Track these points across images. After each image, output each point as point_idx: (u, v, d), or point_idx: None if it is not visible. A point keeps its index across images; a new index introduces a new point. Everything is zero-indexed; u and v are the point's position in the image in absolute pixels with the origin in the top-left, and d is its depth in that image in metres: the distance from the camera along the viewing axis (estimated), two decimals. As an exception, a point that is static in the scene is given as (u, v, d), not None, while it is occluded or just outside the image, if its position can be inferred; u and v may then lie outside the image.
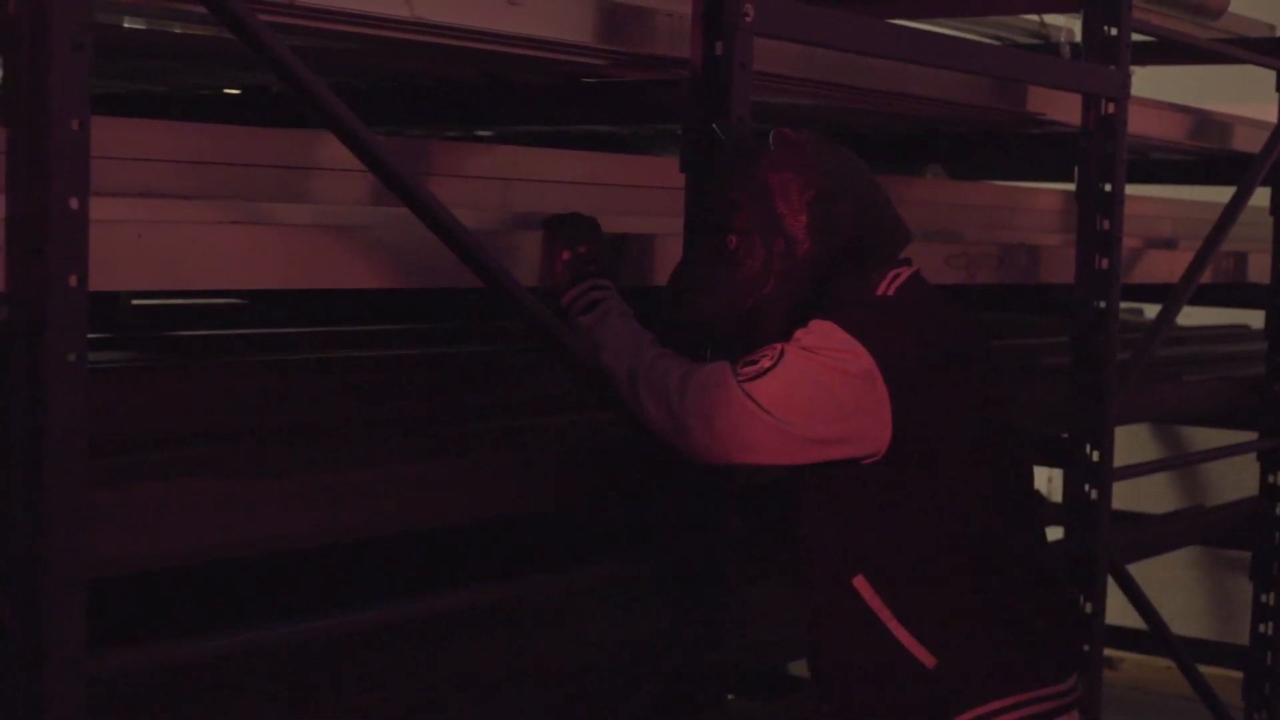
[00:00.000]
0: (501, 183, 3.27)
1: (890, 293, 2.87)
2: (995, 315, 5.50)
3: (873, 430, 2.75)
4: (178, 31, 3.37)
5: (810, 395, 2.75)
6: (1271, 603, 5.54)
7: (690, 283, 2.93)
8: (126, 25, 3.40)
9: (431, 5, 2.83)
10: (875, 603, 2.79)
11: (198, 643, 2.51)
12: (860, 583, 2.80)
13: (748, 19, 3.07)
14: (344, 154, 2.68)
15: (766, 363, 2.76)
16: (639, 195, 3.55)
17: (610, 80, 3.45)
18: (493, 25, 2.95)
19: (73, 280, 2.22)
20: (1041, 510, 3.00)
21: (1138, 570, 4.86)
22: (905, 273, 2.92)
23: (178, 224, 2.54)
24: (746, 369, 2.78)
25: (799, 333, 2.80)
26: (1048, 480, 7.17)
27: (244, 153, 2.91)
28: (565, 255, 2.98)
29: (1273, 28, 6.27)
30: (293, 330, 3.82)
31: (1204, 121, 5.31)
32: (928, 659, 2.78)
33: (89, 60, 2.23)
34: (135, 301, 4.19)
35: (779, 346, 2.79)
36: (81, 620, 2.25)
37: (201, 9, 2.49)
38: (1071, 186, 4.39)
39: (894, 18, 4.59)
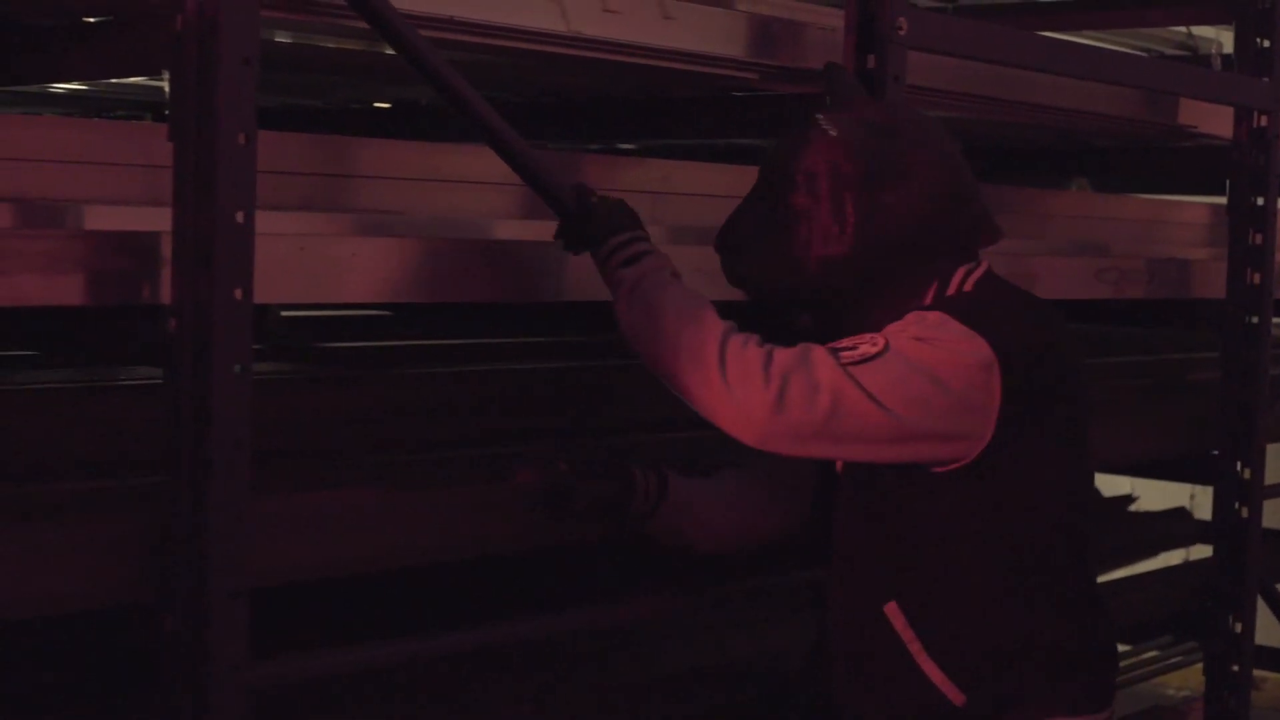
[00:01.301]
0: (652, 196, 3.27)
1: (967, 288, 2.63)
2: (1143, 330, 5.43)
3: (976, 430, 2.52)
4: (331, 46, 3.40)
5: (924, 387, 2.48)
6: None
7: (738, 240, 2.70)
8: (278, 39, 3.45)
9: (588, 20, 2.85)
10: (907, 633, 2.58)
11: (359, 652, 2.53)
12: (892, 610, 2.59)
13: (901, 32, 3.06)
14: (498, 168, 2.70)
15: (869, 349, 2.50)
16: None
17: (761, 94, 3.45)
18: (647, 39, 2.96)
19: (238, 293, 2.24)
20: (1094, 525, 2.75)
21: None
22: (980, 269, 2.67)
23: (337, 238, 2.57)
24: (845, 354, 2.49)
25: (896, 325, 2.55)
26: (1190, 497, 7.08)
27: (400, 167, 2.93)
28: (596, 196, 2.68)
29: None
30: (443, 342, 3.83)
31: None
32: (957, 696, 2.57)
33: (255, 75, 2.26)
34: (284, 313, 4.23)
35: (876, 335, 2.52)
36: (244, 629, 2.28)
37: (361, 24, 2.51)
38: (1220, 199, 4.33)
39: (1043, 30, 4.56)
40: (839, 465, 2.69)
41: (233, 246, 2.24)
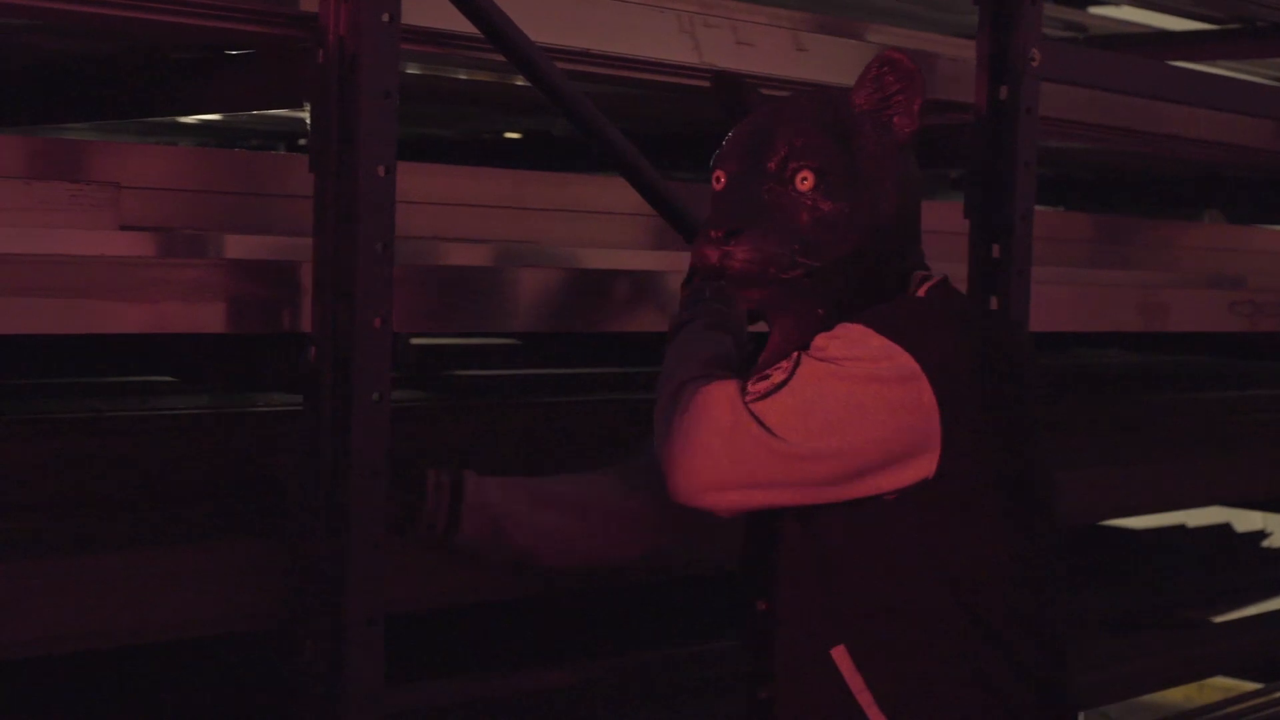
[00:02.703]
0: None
1: (920, 293, 2.36)
2: (1277, 365, 5.37)
3: (916, 453, 2.24)
4: (463, 78, 3.44)
5: (837, 414, 2.22)
6: None
7: (738, 220, 2.29)
8: (409, 71, 3.49)
9: (721, 52, 2.86)
10: (855, 681, 2.28)
11: (494, 680, 2.55)
12: (840, 654, 2.28)
13: (1034, 64, 3.05)
14: (630, 198, 2.71)
15: (779, 375, 2.25)
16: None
17: (893, 125, 3.44)
18: (780, 72, 2.97)
19: (377, 322, 2.27)
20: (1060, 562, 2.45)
21: None
22: (936, 278, 2.41)
23: (471, 268, 2.59)
24: (757, 385, 2.25)
25: (819, 339, 2.28)
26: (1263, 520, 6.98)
27: (533, 197, 2.95)
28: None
29: None
30: (574, 371, 3.86)
31: None
32: None
33: (395, 108, 2.29)
34: (414, 340, 4.27)
35: (793, 356, 2.27)
36: (380, 655, 2.30)
37: (496, 56, 2.54)
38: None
39: (1175, 60, 4.52)
40: None
41: (372, 276, 2.27)
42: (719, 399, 2.23)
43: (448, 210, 2.85)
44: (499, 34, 2.43)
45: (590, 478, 2.60)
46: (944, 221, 3.43)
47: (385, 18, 2.30)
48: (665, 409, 2.30)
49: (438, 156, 4.02)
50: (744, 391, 2.24)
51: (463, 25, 2.44)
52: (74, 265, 2.22)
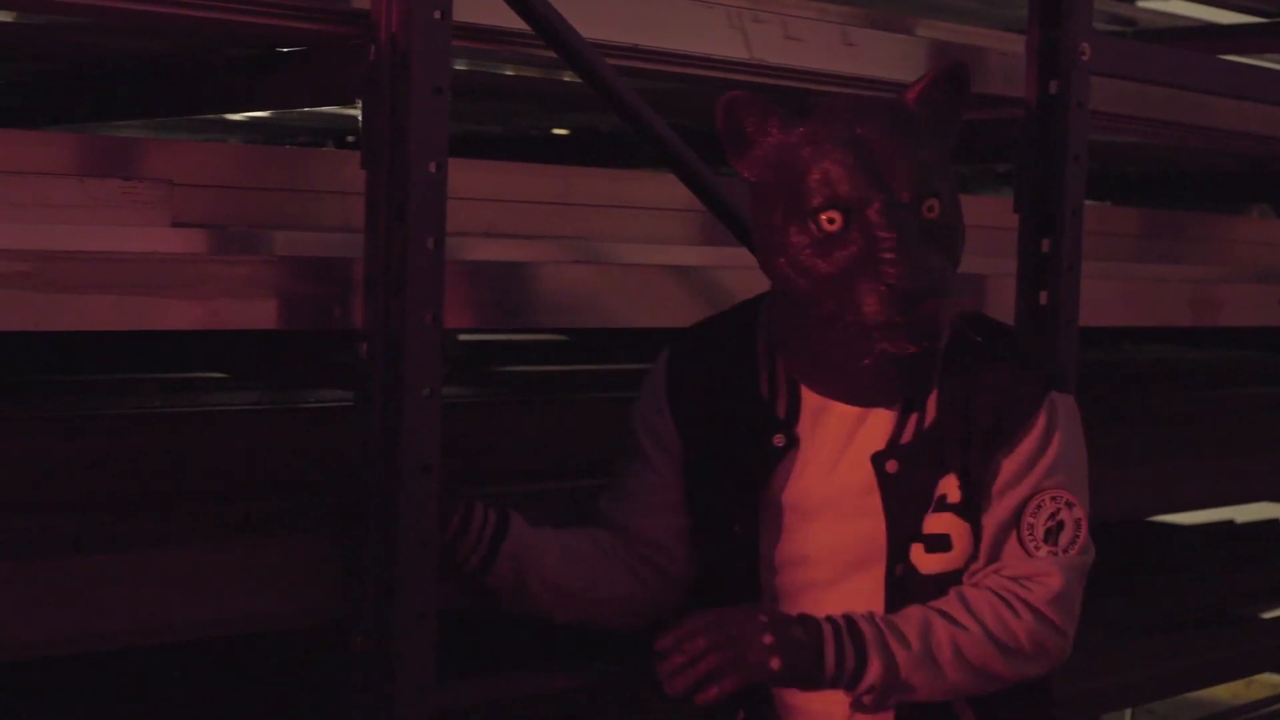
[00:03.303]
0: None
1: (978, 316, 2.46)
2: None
3: None
4: (510, 74, 3.44)
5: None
6: None
7: (926, 277, 2.17)
8: (457, 67, 3.49)
9: (770, 47, 2.86)
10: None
11: (547, 675, 2.55)
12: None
13: (1084, 58, 3.03)
14: (680, 193, 2.71)
15: (1066, 513, 2.31)
16: (969, 235, 3.52)
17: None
18: (830, 66, 2.96)
19: (429, 318, 2.28)
20: None
21: None
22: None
23: (522, 264, 2.60)
24: (1063, 538, 2.31)
25: (1033, 441, 2.30)
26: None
27: (583, 193, 2.95)
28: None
29: None
30: (622, 367, 3.86)
31: None
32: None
33: (447, 105, 2.30)
34: (461, 337, 4.28)
35: (1045, 494, 2.29)
36: (431, 651, 2.31)
37: (545, 53, 2.54)
38: None
39: (1225, 54, 4.50)
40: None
41: (424, 272, 2.28)
42: (1067, 571, 2.30)
43: (498, 206, 2.85)
44: (549, 30, 2.43)
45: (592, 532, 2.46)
46: (993, 217, 3.43)
47: (437, 14, 2.30)
48: (1012, 644, 2.26)
49: (486, 153, 4.03)
50: (1064, 549, 2.29)
51: (513, 21, 2.45)
52: (127, 262, 2.23)
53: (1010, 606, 2.25)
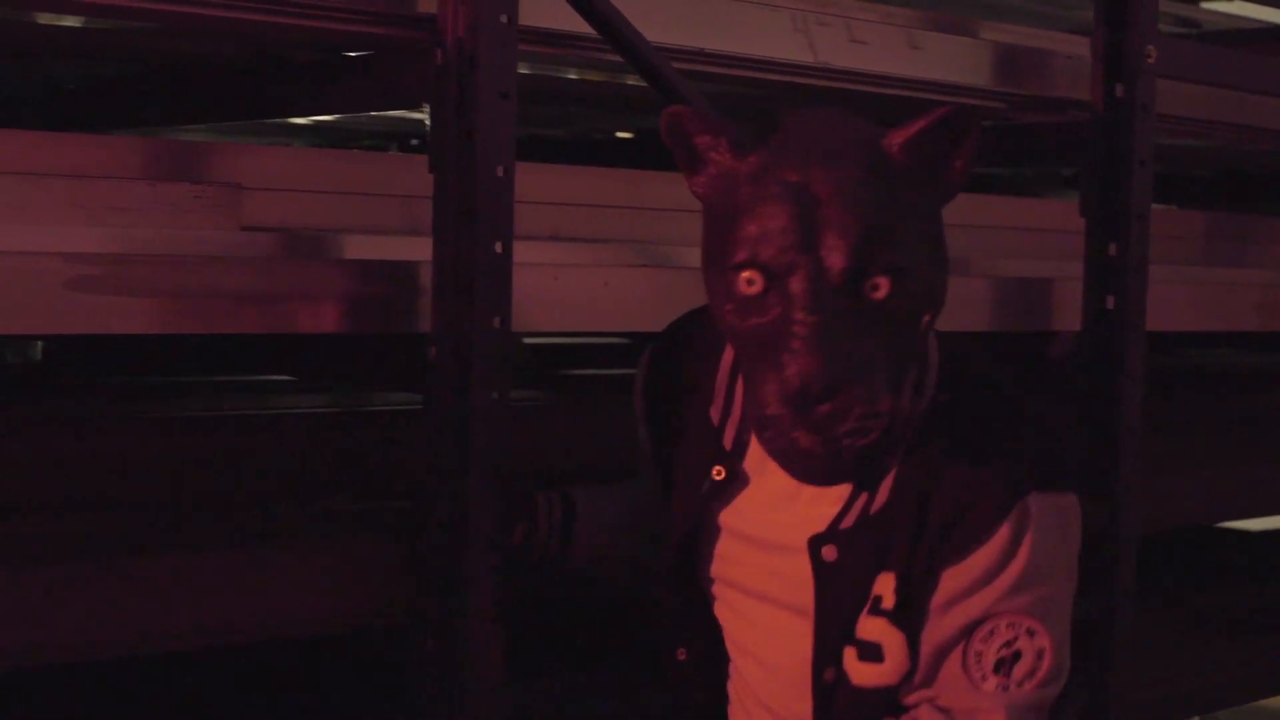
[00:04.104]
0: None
1: (929, 391, 1.94)
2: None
3: None
4: (574, 77, 3.45)
5: (1063, 600, 1.94)
6: None
7: (837, 371, 1.73)
8: (521, 71, 3.50)
9: (835, 50, 2.85)
10: None
11: (620, 674, 2.55)
12: None
13: (1150, 60, 3.03)
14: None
15: (1025, 643, 1.89)
16: (1036, 238, 3.51)
17: (1008, 123, 3.43)
18: (894, 70, 2.96)
19: (497, 322, 2.28)
20: None
21: None
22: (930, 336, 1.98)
23: (589, 267, 2.60)
24: (1018, 670, 1.90)
25: (993, 551, 1.86)
26: None
27: (650, 196, 2.96)
28: None
29: None
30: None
31: None
32: None
33: (514, 109, 2.30)
34: (527, 340, 4.29)
35: (1001, 620, 1.88)
36: (501, 651, 2.31)
37: (610, 56, 2.55)
38: None
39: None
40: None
41: (492, 276, 2.28)
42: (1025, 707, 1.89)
43: (565, 210, 2.85)
44: (615, 34, 2.43)
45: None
46: (1059, 220, 3.42)
47: (504, 19, 2.31)
48: None
49: (550, 156, 4.04)
50: (1033, 688, 1.89)
51: (579, 25, 2.45)
52: (195, 265, 2.24)
53: None
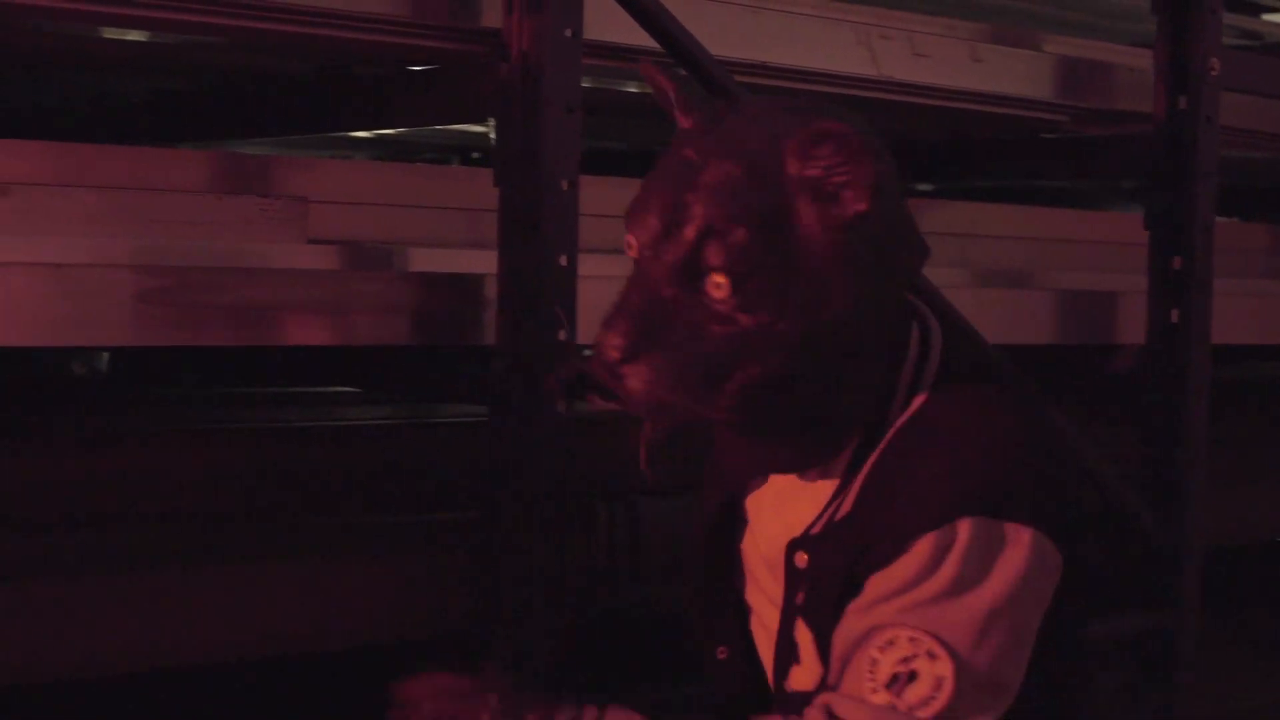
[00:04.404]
0: (959, 239, 3.26)
1: (919, 400, 1.83)
2: None
3: None
4: (633, 90, 3.46)
5: (1017, 644, 1.78)
6: None
7: (634, 340, 1.73)
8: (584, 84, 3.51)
9: (898, 64, 2.86)
10: None
11: (684, 688, 2.55)
12: None
13: (1214, 73, 3.02)
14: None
15: (939, 666, 1.74)
16: (1099, 251, 3.50)
17: (1070, 136, 3.42)
18: (958, 83, 2.96)
19: (562, 334, 2.29)
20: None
21: None
22: (935, 347, 1.85)
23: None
24: (913, 693, 1.74)
25: (915, 560, 1.75)
26: None
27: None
28: None
29: None
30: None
31: None
32: None
33: (579, 122, 2.31)
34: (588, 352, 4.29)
35: (904, 631, 1.74)
36: (567, 663, 2.32)
37: (677, 71, 2.55)
38: None
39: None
40: None
41: (557, 289, 2.29)
42: None
43: (613, 223, 2.86)
44: (679, 47, 2.44)
45: None
46: (1123, 233, 3.41)
47: (568, 33, 2.32)
48: None
49: (612, 169, 4.05)
50: (903, 712, 1.74)
51: (643, 39, 2.46)
52: (263, 278, 2.26)
53: None
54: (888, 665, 1.74)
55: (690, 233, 1.71)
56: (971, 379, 1.85)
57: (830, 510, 1.85)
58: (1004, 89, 3.06)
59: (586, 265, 2.37)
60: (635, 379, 1.72)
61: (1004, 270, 3.17)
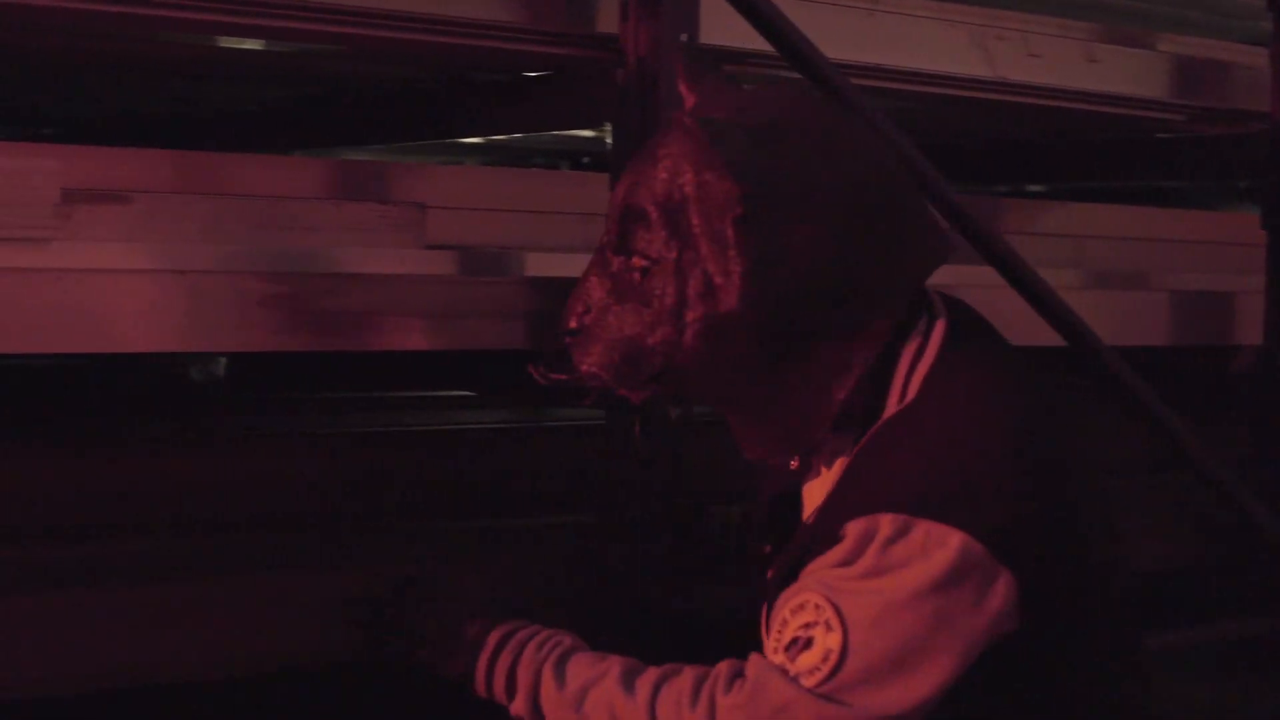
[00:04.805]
0: (1074, 240, 3.24)
1: (913, 392, 1.83)
2: None
3: (1000, 628, 1.76)
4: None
5: (923, 650, 1.73)
6: None
7: (580, 321, 1.90)
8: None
9: (1013, 65, 2.85)
10: None
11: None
12: None
13: (1332, 71, 2.99)
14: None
15: (831, 638, 1.73)
16: (1215, 251, 3.47)
17: (1186, 135, 3.40)
18: (1072, 83, 2.95)
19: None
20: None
21: None
22: (936, 335, 1.86)
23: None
24: (804, 660, 1.74)
25: (843, 545, 1.75)
26: None
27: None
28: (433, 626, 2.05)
29: None
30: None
31: None
32: None
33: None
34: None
35: (819, 600, 1.75)
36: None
37: (791, 73, 2.55)
38: None
39: None
40: None
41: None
42: (780, 695, 1.75)
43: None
44: (795, 51, 2.44)
45: None
46: (1239, 233, 3.38)
47: (684, 37, 2.33)
48: None
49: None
50: (793, 676, 1.75)
51: (758, 43, 2.46)
52: (381, 284, 2.28)
53: (697, 696, 1.81)
54: (792, 628, 1.76)
55: (617, 215, 1.86)
56: (970, 376, 1.84)
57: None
58: (1119, 89, 3.04)
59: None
60: (578, 356, 1.90)
61: (1119, 272, 3.15)
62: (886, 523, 1.73)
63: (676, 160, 1.82)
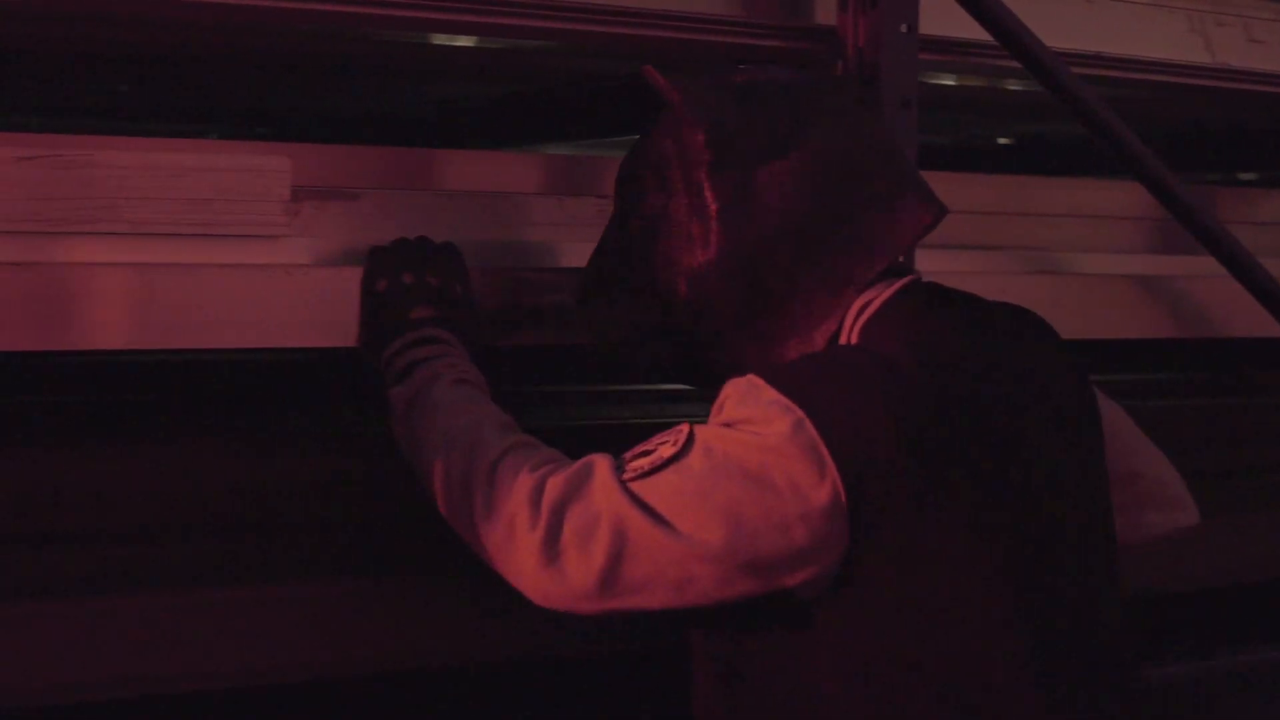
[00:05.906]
0: (1296, 229, 3.19)
1: (854, 337, 1.91)
2: None
3: (821, 539, 1.78)
4: (950, 84, 3.44)
5: (735, 491, 1.77)
6: None
7: (591, 282, 2.10)
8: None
9: (1233, 51, 2.82)
10: None
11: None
12: None
13: None
14: (1132, 202, 2.68)
15: (667, 450, 1.80)
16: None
17: None
18: (1294, 69, 2.90)
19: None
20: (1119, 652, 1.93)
21: None
22: (893, 287, 1.93)
23: (981, 274, 2.60)
24: (636, 462, 1.81)
25: (720, 399, 1.85)
26: None
27: (1039, 202, 2.94)
28: (382, 284, 2.09)
29: None
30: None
31: None
32: None
33: (915, 117, 2.31)
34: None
35: (682, 427, 1.82)
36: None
37: (1009, 63, 2.54)
38: None
39: None
40: None
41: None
42: (601, 481, 1.81)
43: (956, 218, 2.84)
44: (1015, 40, 2.42)
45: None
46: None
47: (904, 28, 2.32)
48: (482, 496, 1.85)
49: (932, 164, 4.03)
50: (621, 469, 1.82)
51: (976, 33, 2.45)
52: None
53: (540, 465, 1.85)
54: (654, 439, 1.85)
55: (627, 174, 2.05)
56: (900, 320, 1.91)
57: None
58: (1344, 75, 2.98)
59: (924, 261, 2.36)
60: (590, 318, 2.10)
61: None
62: (746, 381, 1.83)
63: (663, 124, 1.99)
